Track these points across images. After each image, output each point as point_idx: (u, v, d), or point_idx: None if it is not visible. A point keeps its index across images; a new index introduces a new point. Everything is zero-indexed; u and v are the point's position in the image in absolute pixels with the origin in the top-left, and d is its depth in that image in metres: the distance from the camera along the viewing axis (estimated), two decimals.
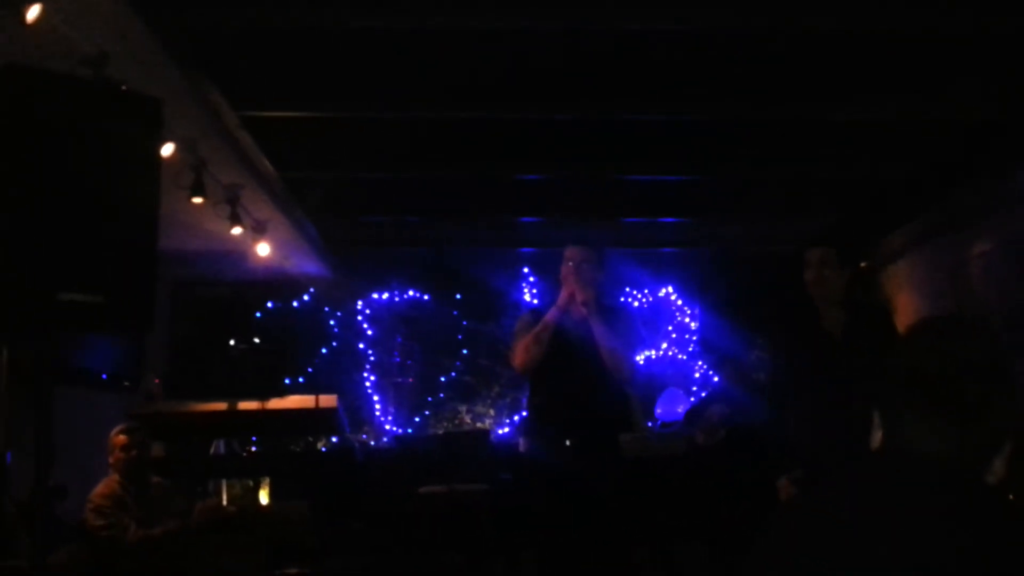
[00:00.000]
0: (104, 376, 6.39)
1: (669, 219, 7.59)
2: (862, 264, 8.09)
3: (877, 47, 4.66)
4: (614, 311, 4.57)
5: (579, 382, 4.21)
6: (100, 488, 5.00)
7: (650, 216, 7.50)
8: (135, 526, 4.87)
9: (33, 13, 3.13)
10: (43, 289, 2.60)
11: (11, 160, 2.63)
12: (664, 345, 8.56)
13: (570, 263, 4.31)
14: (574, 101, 5.19)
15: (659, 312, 8.66)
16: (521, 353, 4.29)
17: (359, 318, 8.40)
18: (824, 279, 3.94)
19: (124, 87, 3.46)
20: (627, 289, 8.60)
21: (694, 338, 8.61)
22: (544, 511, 4.12)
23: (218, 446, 7.27)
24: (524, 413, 8.06)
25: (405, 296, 8.50)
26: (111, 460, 5.09)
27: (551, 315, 4.28)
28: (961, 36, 4.49)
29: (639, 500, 5.13)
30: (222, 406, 6.14)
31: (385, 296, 8.47)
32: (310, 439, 7.92)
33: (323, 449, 7.91)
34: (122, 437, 5.08)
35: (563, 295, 4.30)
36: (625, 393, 4.51)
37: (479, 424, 8.21)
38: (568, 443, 4.16)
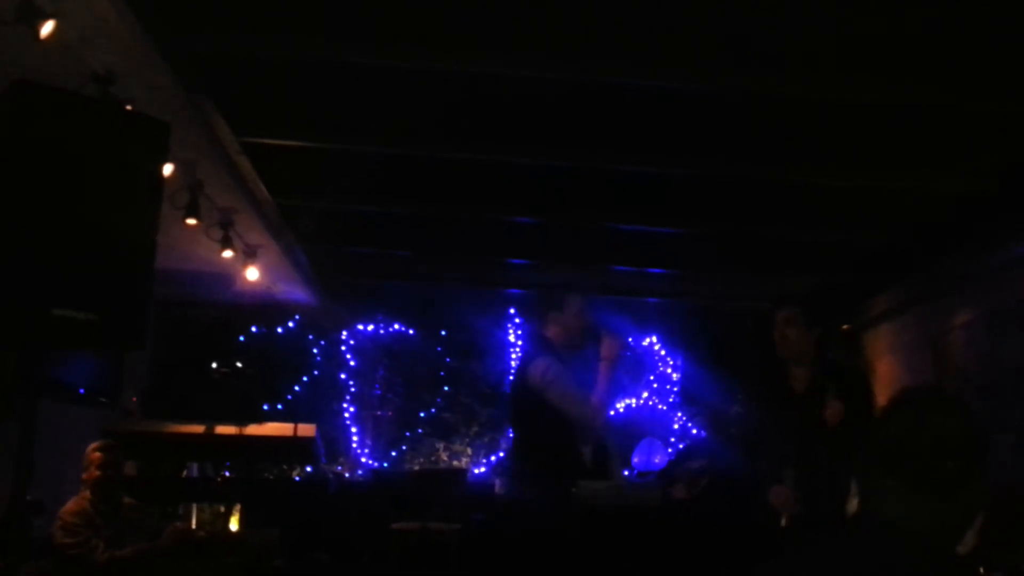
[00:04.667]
0: (81, 391, 6.36)
1: (656, 270, 7.64)
2: (843, 326, 8.17)
3: (869, 118, 4.75)
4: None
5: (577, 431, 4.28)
6: (70, 505, 4.94)
7: (638, 266, 7.55)
8: (104, 545, 4.82)
9: (47, 28, 3.16)
10: (38, 304, 2.61)
11: (15, 174, 2.65)
12: (645, 394, 8.58)
13: (583, 313, 4.41)
14: (570, 149, 5.26)
15: (641, 361, 8.69)
16: (602, 409, 4.27)
17: (342, 348, 8.39)
18: (785, 337, 4.00)
19: (129, 107, 3.50)
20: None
21: (675, 389, 8.63)
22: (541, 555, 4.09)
23: (191, 469, 7.22)
24: (502, 454, 8.07)
25: (390, 329, 8.50)
26: (84, 477, 5.04)
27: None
28: (950, 111, 4.59)
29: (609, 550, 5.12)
30: (199, 429, 6.11)
31: (370, 328, 8.47)
32: (284, 467, 7.87)
33: (296, 479, 7.86)
34: (98, 454, 5.03)
35: (614, 350, 4.38)
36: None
37: (456, 462, 8.18)
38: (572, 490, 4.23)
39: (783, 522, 3.63)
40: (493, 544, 4.18)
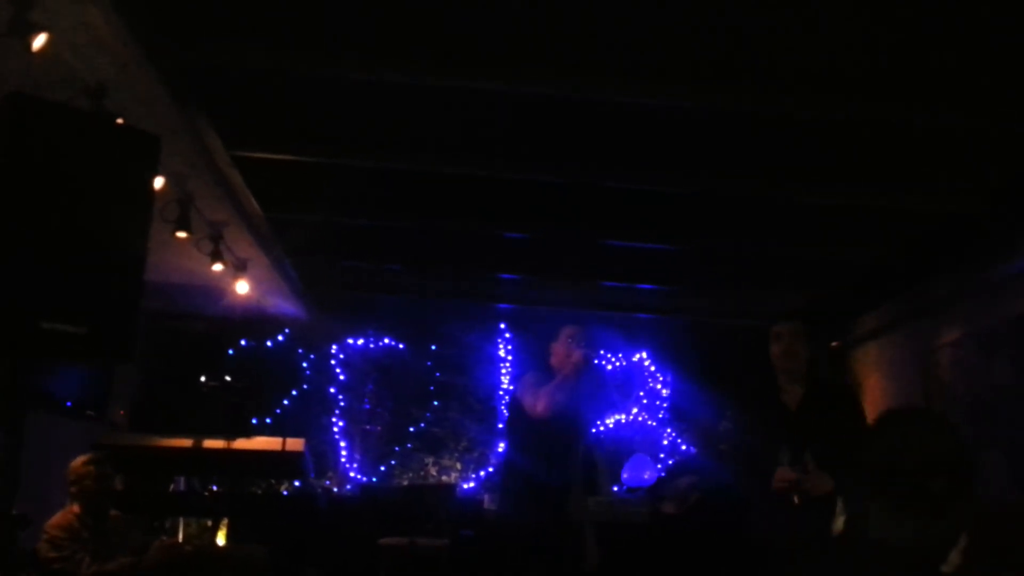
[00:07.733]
0: (69, 403, 6.33)
1: (647, 286, 7.66)
2: (833, 344, 8.19)
3: (859, 136, 4.78)
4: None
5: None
6: (57, 518, 4.90)
7: (628, 282, 7.57)
8: (89, 559, 4.78)
9: (40, 41, 3.17)
10: (28, 317, 2.60)
11: (6, 187, 2.65)
12: (635, 410, 8.58)
13: (570, 339, 4.67)
14: (562, 165, 5.27)
15: (631, 377, 8.70)
16: (547, 399, 4.50)
17: (332, 362, 8.37)
18: (794, 353, 4.05)
19: (120, 120, 3.50)
20: (602, 352, 8.63)
21: (665, 405, 8.64)
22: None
23: (178, 483, 7.19)
24: (491, 469, 8.07)
25: (380, 343, 8.49)
26: (72, 490, 4.99)
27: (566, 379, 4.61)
28: (941, 130, 4.62)
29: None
30: (187, 442, 6.09)
31: (360, 342, 8.46)
32: (272, 482, 7.84)
33: (285, 493, 7.82)
34: (90, 467, 5.00)
35: (572, 356, 4.60)
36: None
37: (444, 477, 8.16)
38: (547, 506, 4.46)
39: (795, 500, 3.58)
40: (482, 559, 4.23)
